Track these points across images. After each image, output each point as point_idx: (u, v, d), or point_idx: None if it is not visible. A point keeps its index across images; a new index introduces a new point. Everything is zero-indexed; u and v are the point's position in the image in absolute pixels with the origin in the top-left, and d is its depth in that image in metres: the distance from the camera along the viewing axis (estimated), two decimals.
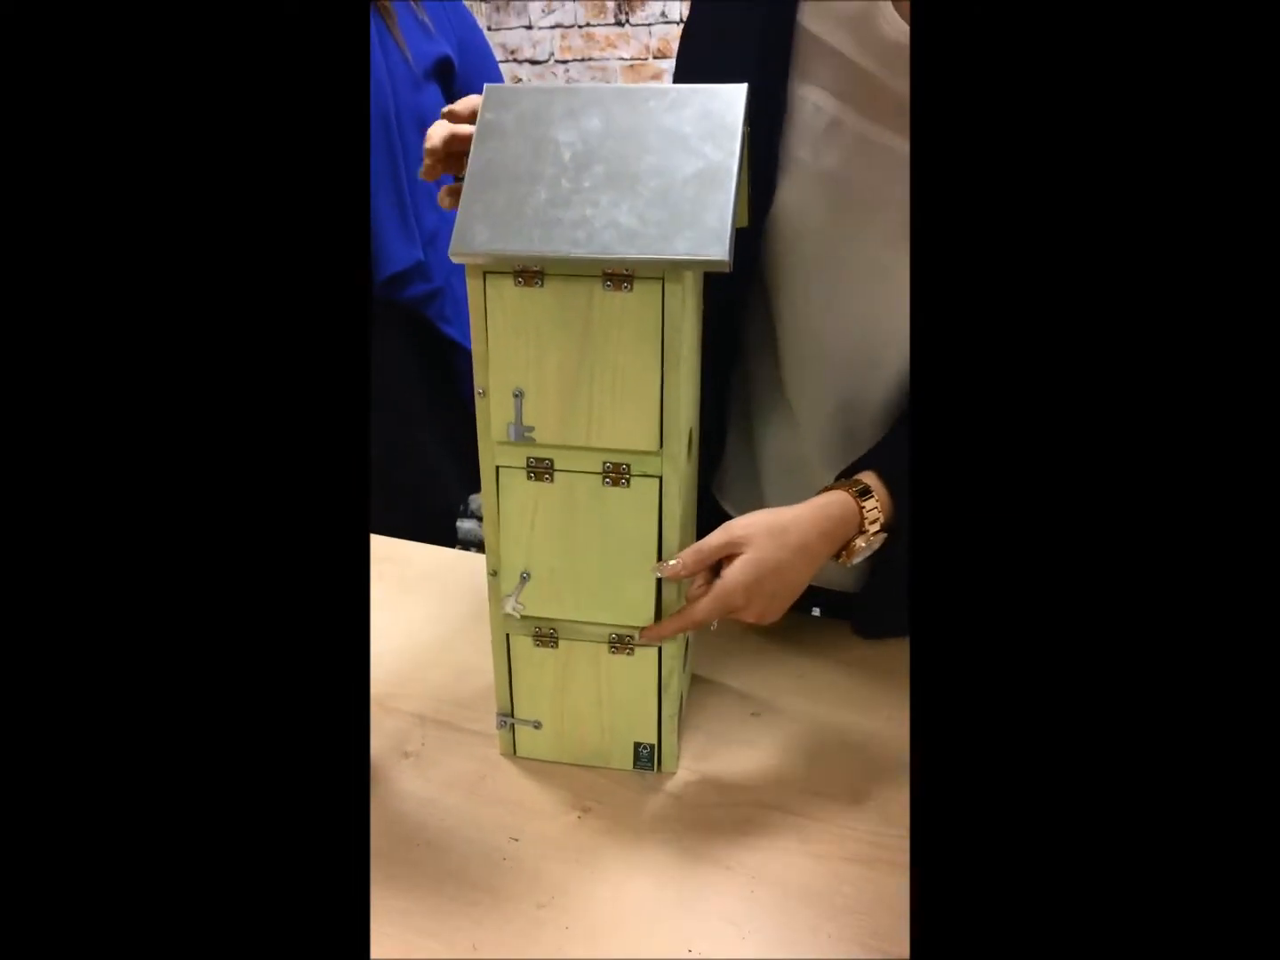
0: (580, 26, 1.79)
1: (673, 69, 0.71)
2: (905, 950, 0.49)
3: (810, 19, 0.61)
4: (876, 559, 0.64)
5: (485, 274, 0.51)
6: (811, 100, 0.62)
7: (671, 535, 0.55)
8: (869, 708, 0.67)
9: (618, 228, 0.48)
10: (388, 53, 1.01)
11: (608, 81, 1.77)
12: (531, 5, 1.78)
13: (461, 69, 1.10)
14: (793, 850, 0.56)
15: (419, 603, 0.81)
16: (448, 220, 1.08)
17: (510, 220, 0.49)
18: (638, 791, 0.60)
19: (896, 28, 0.59)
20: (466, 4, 1.88)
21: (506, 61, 1.87)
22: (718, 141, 0.50)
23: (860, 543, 0.60)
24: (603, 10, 1.76)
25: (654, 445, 0.52)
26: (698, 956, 0.49)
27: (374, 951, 0.49)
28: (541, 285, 0.50)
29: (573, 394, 0.52)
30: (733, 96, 0.51)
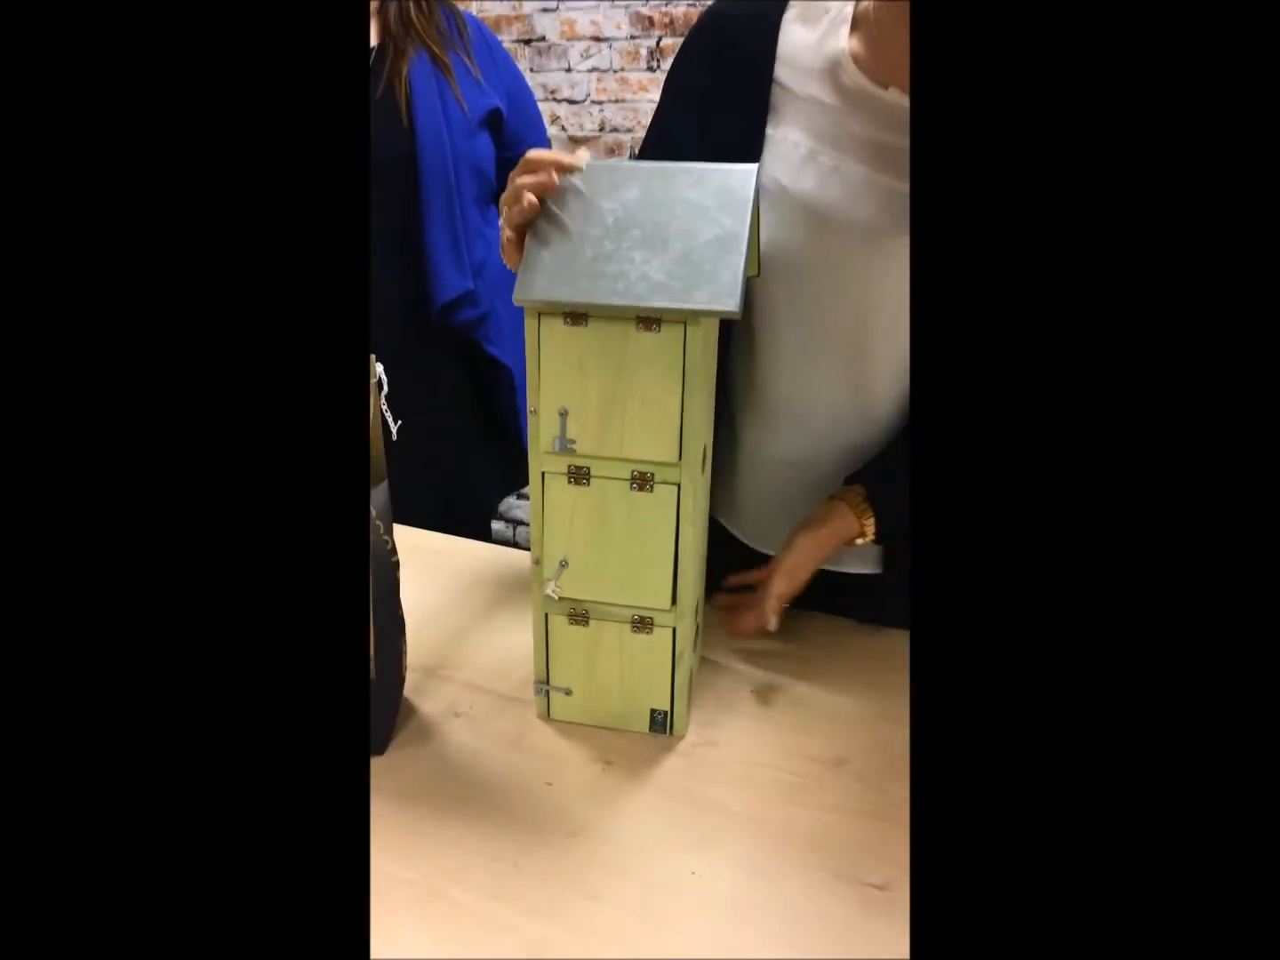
0: (615, 71, 1.91)
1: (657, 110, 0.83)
2: (872, 874, 0.59)
3: (784, 74, 0.74)
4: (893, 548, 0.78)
5: (540, 315, 0.61)
6: (790, 139, 0.74)
7: (687, 532, 0.65)
8: (854, 689, 0.77)
9: (649, 281, 0.59)
10: (446, 105, 1.12)
11: (638, 120, 1.89)
12: (571, 51, 1.90)
13: (509, 118, 1.21)
14: (781, 799, 0.66)
15: (459, 588, 0.92)
16: (494, 253, 1.20)
17: (563, 273, 0.60)
18: (653, 750, 0.71)
19: (855, 78, 0.71)
20: (513, 49, 2.01)
21: (546, 100, 1.99)
22: (732, 213, 0.60)
23: (859, 541, 0.73)
24: (636, 57, 1.89)
25: (674, 458, 0.63)
26: (698, 877, 0.59)
27: (431, 865, 0.60)
28: (586, 325, 0.61)
29: (608, 414, 0.62)
30: (745, 175, 0.62)
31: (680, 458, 0.63)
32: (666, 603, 0.67)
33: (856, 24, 0.73)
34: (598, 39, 1.89)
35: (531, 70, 1.97)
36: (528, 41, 1.98)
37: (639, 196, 0.62)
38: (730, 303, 0.58)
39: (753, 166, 0.62)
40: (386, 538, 0.68)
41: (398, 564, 0.70)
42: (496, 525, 1.95)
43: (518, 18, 1.97)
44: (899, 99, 0.71)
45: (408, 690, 0.76)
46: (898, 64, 0.70)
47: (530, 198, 0.60)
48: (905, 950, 0.54)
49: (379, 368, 0.64)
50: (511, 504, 2.45)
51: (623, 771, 0.69)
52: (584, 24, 1.91)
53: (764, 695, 0.77)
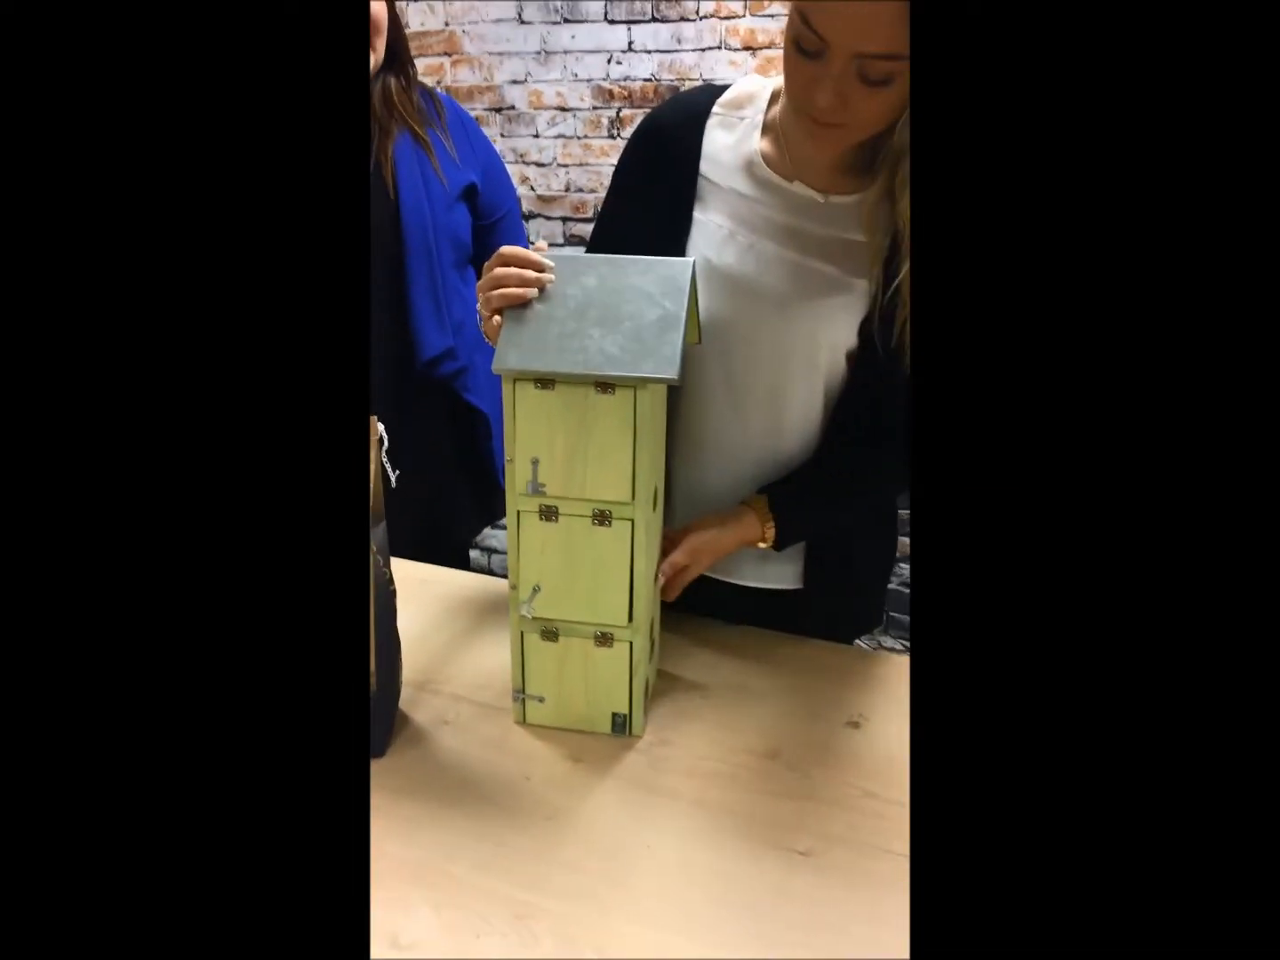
0: (579, 138, 2.05)
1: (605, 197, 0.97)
2: (798, 844, 0.70)
3: (708, 169, 0.88)
4: (811, 566, 0.90)
5: (515, 381, 0.73)
6: (714, 222, 0.87)
7: (640, 560, 0.77)
8: (786, 692, 0.89)
9: (605, 354, 0.71)
10: (428, 180, 1.24)
11: (600, 182, 2.03)
12: (539, 119, 2.03)
13: (484, 191, 1.33)
14: (723, 786, 0.77)
15: (445, 612, 1.02)
16: (471, 312, 1.31)
17: (533, 347, 0.72)
18: (616, 749, 0.81)
19: (765, 174, 0.86)
20: (485, 116, 2.14)
21: (516, 163, 2.12)
22: (672, 298, 0.73)
23: (760, 545, 0.89)
24: (598, 125, 2.03)
25: (628, 498, 0.74)
26: (653, 849, 0.70)
27: (429, 847, 0.70)
28: (553, 389, 0.72)
29: (572, 462, 0.74)
30: (684, 266, 0.74)
31: (633, 498, 0.74)
32: (624, 620, 0.78)
33: (767, 129, 0.87)
34: (563, 109, 2.04)
35: (502, 135, 2.11)
36: (499, 110, 2.12)
37: (596, 283, 0.74)
38: (671, 372, 0.70)
39: (689, 260, 0.75)
40: (385, 569, 0.79)
41: (394, 592, 0.80)
42: (474, 554, 2.05)
43: (490, 88, 2.11)
44: (803, 190, 0.84)
45: (402, 703, 0.86)
46: (800, 163, 0.84)
47: (513, 292, 0.73)
48: (823, 901, 0.65)
49: (380, 427, 0.75)
50: (487, 533, 2.55)
51: (590, 767, 0.79)
52: (550, 95, 2.06)
53: (710, 701, 0.88)
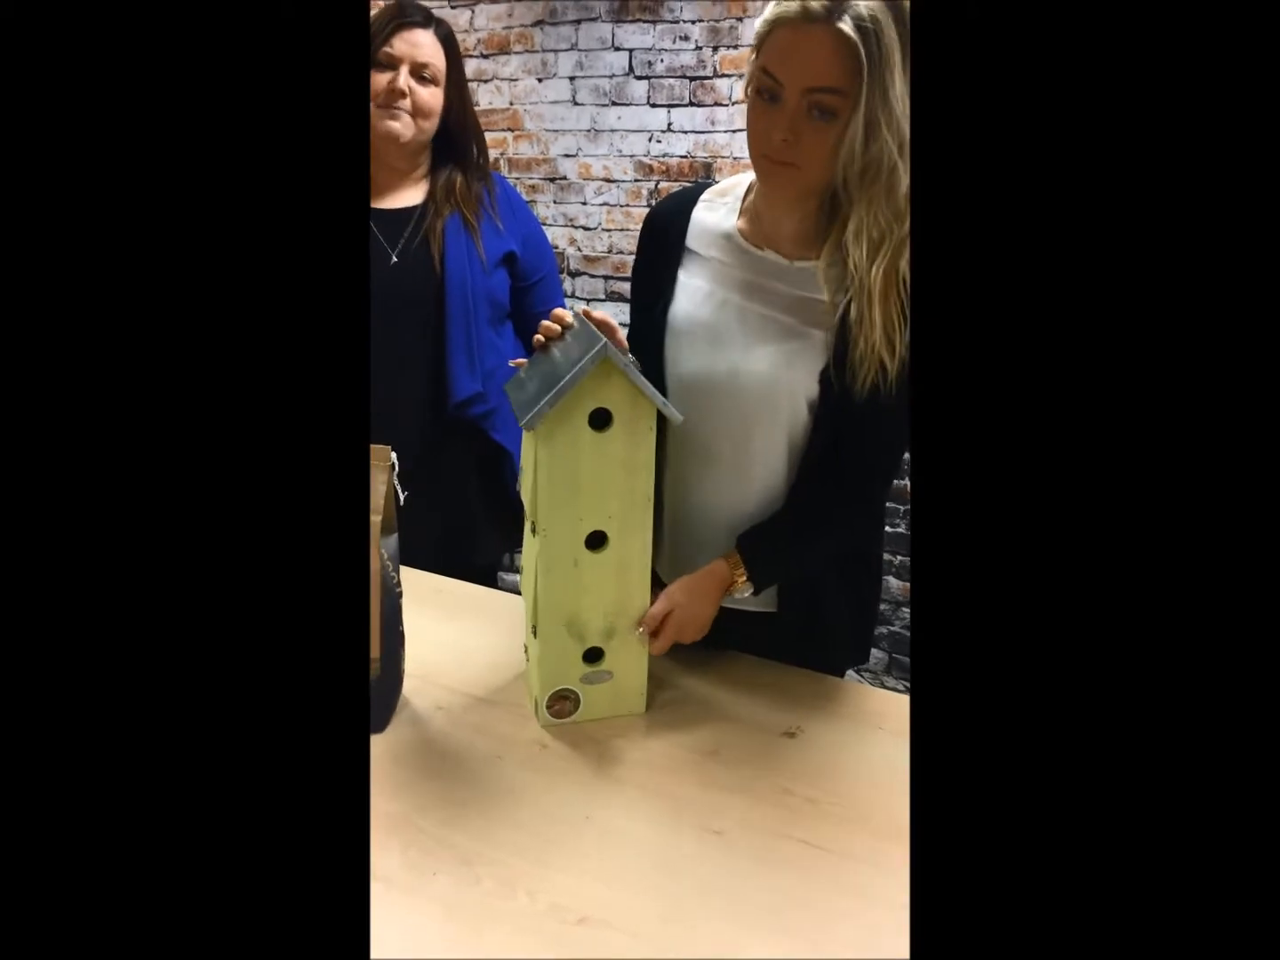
0: (621, 206, 2.22)
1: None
2: (715, 824, 0.80)
3: (693, 243, 1.03)
4: (784, 591, 1.02)
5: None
6: (695, 283, 1.01)
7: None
8: (736, 706, 0.99)
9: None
10: (470, 254, 1.38)
11: None
12: (587, 188, 2.21)
13: (523, 257, 1.47)
14: (664, 776, 0.87)
15: (451, 618, 1.15)
16: (503, 361, 1.45)
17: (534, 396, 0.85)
18: (578, 740, 0.92)
19: (740, 243, 0.99)
20: (540, 185, 2.32)
21: (566, 227, 2.30)
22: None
23: (735, 593, 0.96)
24: (639, 195, 2.20)
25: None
26: (595, 821, 0.81)
27: (407, 803, 0.82)
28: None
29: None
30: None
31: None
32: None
33: (744, 211, 1.00)
34: (608, 180, 2.21)
35: (555, 202, 2.29)
36: (552, 179, 2.31)
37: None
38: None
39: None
40: (394, 574, 0.92)
41: (401, 594, 0.93)
42: (512, 578, 2.19)
43: (545, 160, 2.30)
44: (773, 256, 0.97)
45: (405, 690, 0.98)
46: (768, 235, 0.97)
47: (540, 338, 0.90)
48: (725, 869, 0.75)
49: (393, 454, 0.89)
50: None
51: (554, 753, 0.90)
52: (598, 168, 2.24)
53: (668, 708, 0.99)
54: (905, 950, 0.45)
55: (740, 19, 2.02)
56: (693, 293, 1.00)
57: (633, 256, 1.11)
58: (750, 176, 1.02)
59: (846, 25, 0.77)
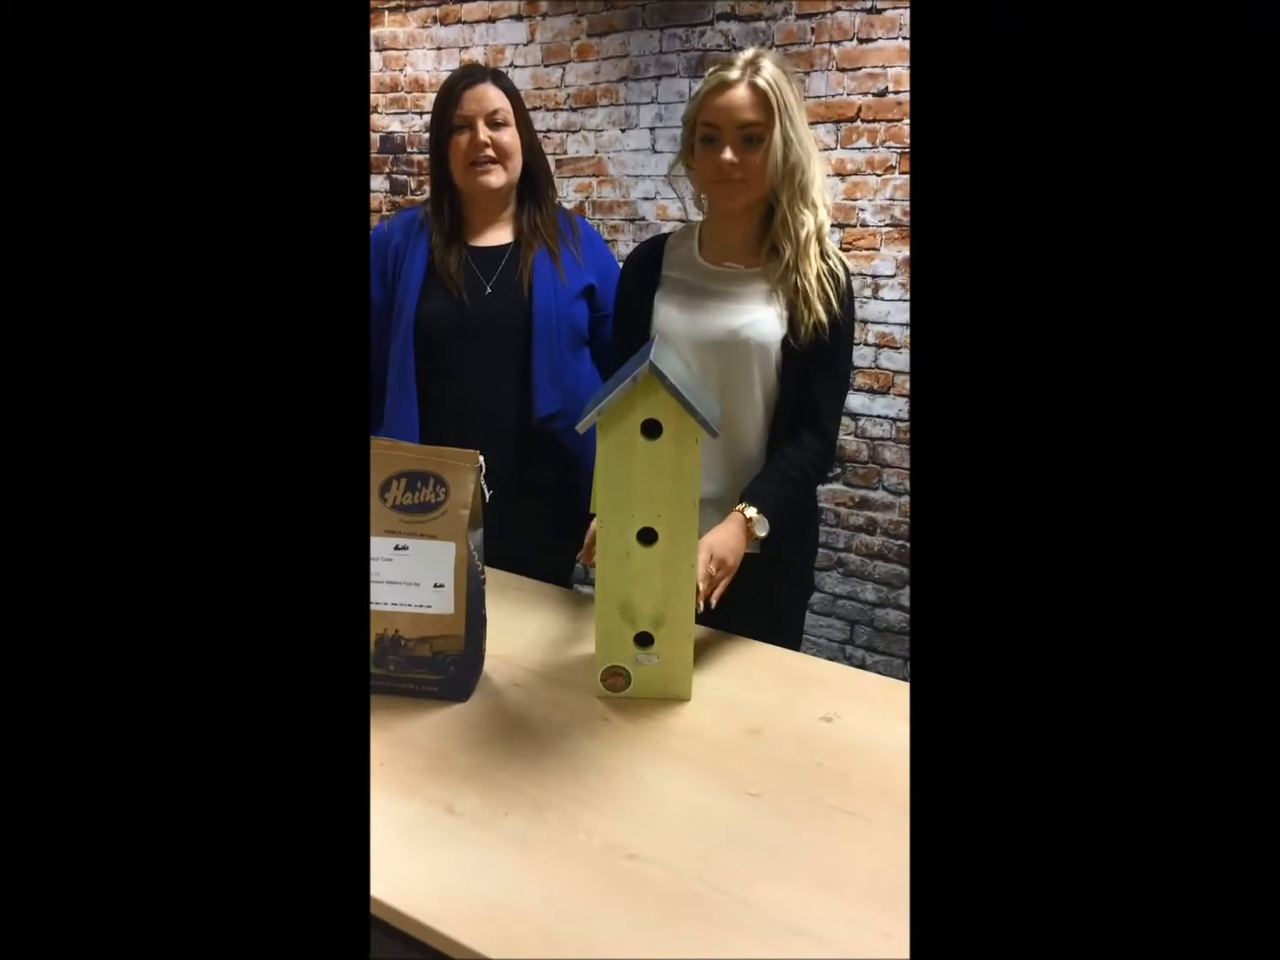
0: None
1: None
2: (752, 789, 0.88)
3: (667, 270, 1.28)
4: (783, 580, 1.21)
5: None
6: (671, 298, 1.26)
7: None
8: (776, 688, 1.06)
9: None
10: (555, 285, 1.51)
11: None
12: (664, 228, 2.33)
13: (600, 291, 1.59)
14: (710, 749, 0.95)
15: (529, 612, 1.26)
16: (581, 382, 1.57)
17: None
18: (638, 716, 1.01)
19: (701, 263, 1.26)
20: (621, 225, 2.45)
21: None
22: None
23: (755, 533, 1.13)
24: None
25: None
26: (646, 781, 0.89)
27: (484, 758, 0.92)
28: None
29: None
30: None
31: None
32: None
33: (700, 241, 1.27)
34: (682, 220, 2.32)
35: (633, 240, 2.42)
36: (632, 220, 2.44)
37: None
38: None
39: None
40: (480, 563, 1.03)
41: (485, 580, 1.04)
42: (588, 590, 2.30)
43: (626, 203, 2.44)
44: (731, 267, 1.24)
45: (487, 668, 1.09)
46: (722, 251, 1.25)
47: None
48: (758, 827, 0.82)
49: (481, 458, 1.01)
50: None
51: (614, 726, 0.99)
52: (674, 209, 2.36)
53: (710, 692, 1.07)
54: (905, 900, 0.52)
55: (807, 73, 2.12)
56: (668, 308, 1.26)
57: None
58: (697, 222, 1.29)
59: (760, 80, 1.12)
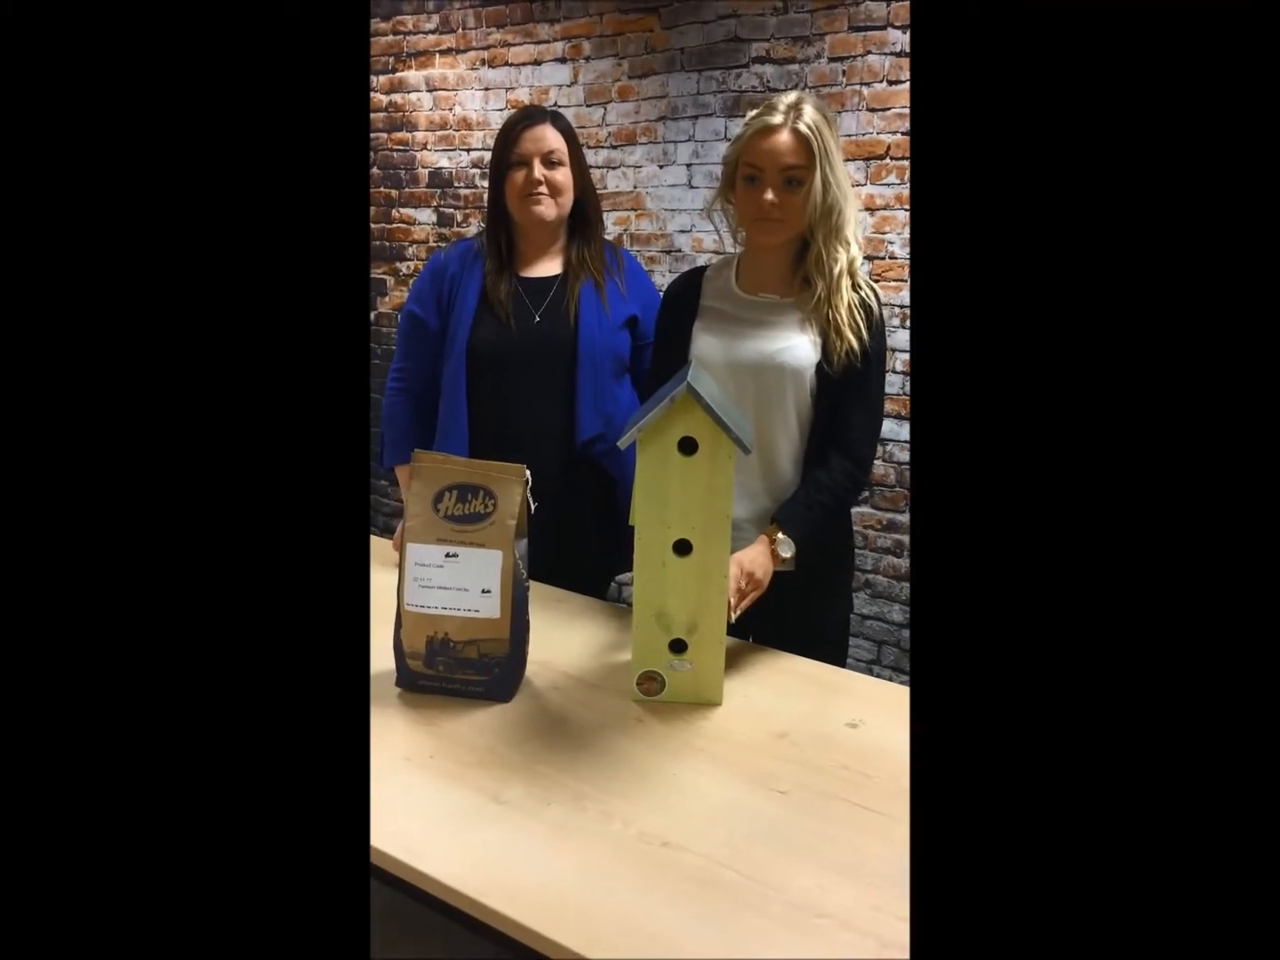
0: None
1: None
2: (779, 786, 0.92)
3: (705, 300, 1.33)
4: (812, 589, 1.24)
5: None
6: (710, 327, 1.30)
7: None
8: (806, 699, 1.10)
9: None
10: (599, 315, 1.58)
11: None
12: (699, 260, 2.40)
13: (642, 321, 1.65)
14: (739, 749, 0.99)
15: (570, 621, 1.31)
16: (621, 408, 1.63)
17: None
18: (670, 718, 1.05)
19: (738, 293, 1.31)
20: (658, 256, 2.52)
21: None
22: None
23: (780, 554, 1.16)
24: None
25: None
26: (677, 776, 0.94)
27: (525, 753, 0.97)
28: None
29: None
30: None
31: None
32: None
33: (738, 273, 1.33)
34: (717, 253, 2.39)
35: (670, 272, 2.49)
36: (669, 252, 2.52)
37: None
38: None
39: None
40: (524, 571, 1.09)
41: (529, 588, 1.10)
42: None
43: (663, 235, 2.52)
44: (766, 297, 1.28)
45: (529, 673, 1.15)
46: (758, 283, 1.30)
47: None
48: (784, 820, 0.86)
49: (527, 472, 1.07)
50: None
51: (648, 727, 1.04)
52: (709, 242, 2.43)
53: (741, 698, 1.11)
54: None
55: (838, 113, 2.19)
56: (706, 336, 1.30)
57: None
58: (734, 254, 1.35)
59: (801, 126, 1.17)
